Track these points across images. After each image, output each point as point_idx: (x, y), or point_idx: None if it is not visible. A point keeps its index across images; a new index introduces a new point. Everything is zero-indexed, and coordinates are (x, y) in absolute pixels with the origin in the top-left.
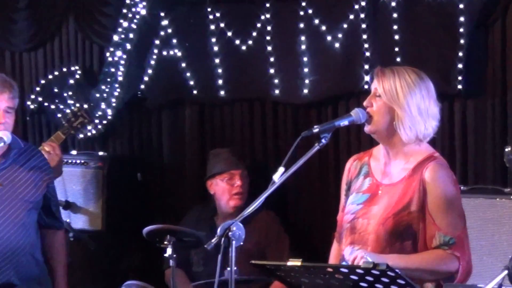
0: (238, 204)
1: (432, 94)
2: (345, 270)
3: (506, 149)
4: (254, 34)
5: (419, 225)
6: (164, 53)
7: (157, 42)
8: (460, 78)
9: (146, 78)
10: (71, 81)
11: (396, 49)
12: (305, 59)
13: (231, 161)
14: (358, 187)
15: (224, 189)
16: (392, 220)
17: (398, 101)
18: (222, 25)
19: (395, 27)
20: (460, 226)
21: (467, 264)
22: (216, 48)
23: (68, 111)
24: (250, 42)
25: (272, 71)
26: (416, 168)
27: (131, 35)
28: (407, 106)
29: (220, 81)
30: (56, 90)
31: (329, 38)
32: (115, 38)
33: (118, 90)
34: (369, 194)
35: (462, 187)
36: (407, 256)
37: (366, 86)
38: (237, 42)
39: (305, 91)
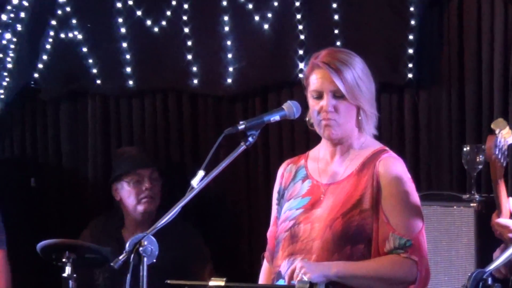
0: (147, 209)
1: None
2: None
3: (465, 149)
4: (168, 13)
5: (372, 225)
6: (62, 35)
7: (53, 22)
8: (410, 65)
9: (40, 65)
10: None
11: (336, 31)
12: (228, 43)
13: (138, 160)
14: (296, 193)
15: (130, 192)
16: (341, 221)
17: (362, 97)
18: (130, 2)
19: (334, 5)
20: (418, 227)
21: (426, 271)
22: (123, 30)
23: None
24: (163, 23)
25: (189, 57)
26: (367, 162)
27: (22, 14)
28: (369, 97)
29: (128, 69)
30: None
31: (256, 18)
32: (3, 17)
33: (7, 79)
34: (310, 197)
35: None
36: (355, 263)
37: (301, 75)
38: (148, 23)
39: (229, 80)
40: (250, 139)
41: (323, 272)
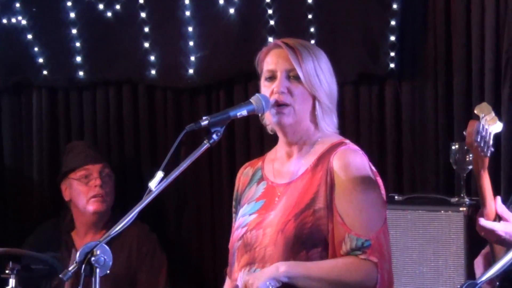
0: (98, 208)
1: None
2: None
3: (453, 147)
4: None
5: (328, 226)
6: (4, 21)
7: None
8: (392, 54)
9: None
10: None
11: (310, 16)
12: (190, 29)
13: (87, 154)
14: (251, 197)
15: (79, 190)
16: (293, 224)
17: (320, 86)
18: None
19: None
20: (377, 225)
21: (388, 274)
22: (72, 15)
23: None
24: (117, 7)
25: (146, 45)
26: (322, 157)
27: None
28: (329, 91)
29: (78, 58)
30: None
31: (221, 1)
32: None
33: None
34: (264, 200)
35: (396, 197)
36: (307, 263)
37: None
38: (101, 7)
39: (190, 71)
40: (214, 136)
41: (270, 275)
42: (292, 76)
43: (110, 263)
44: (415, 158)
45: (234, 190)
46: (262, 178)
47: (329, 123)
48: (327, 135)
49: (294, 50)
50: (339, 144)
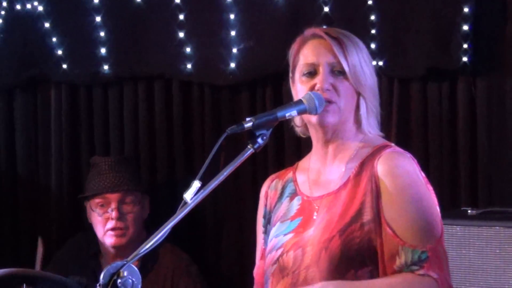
0: (116, 243)
1: None
2: None
3: None
4: None
5: (377, 241)
6: (18, 7)
7: None
8: (465, 46)
9: None
10: None
11: (370, 1)
12: (231, 16)
13: (106, 178)
14: (284, 214)
15: (97, 220)
16: (339, 240)
17: (366, 82)
18: None
19: None
20: (434, 234)
21: None
22: (96, 0)
23: None
24: None
25: (181, 35)
26: (365, 163)
27: None
28: (373, 84)
29: (102, 50)
30: None
31: None
32: None
33: None
34: (300, 218)
35: (469, 211)
36: (356, 283)
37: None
38: None
39: (232, 65)
40: (259, 140)
41: None
42: (337, 71)
43: (139, 286)
44: (492, 166)
45: (261, 207)
46: (295, 193)
47: (373, 124)
48: (370, 138)
49: (338, 41)
50: (383, 147)
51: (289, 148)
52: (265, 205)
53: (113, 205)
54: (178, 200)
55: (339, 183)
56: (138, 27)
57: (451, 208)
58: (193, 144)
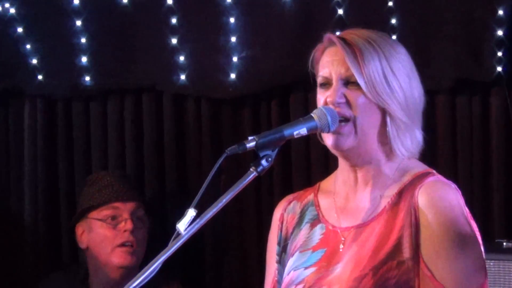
0: (125, 263)
1: (415, 71)
2: None
3: None
4: None
5: (415, 281)
6: None
7: None
8: (500, 54)
9: None
10: None
11: (390, 3)
12: (232, 20)
13: (116, 189)
14: (303, 243)
15: (103, 235)
16: (372, 280)
17: (391, 95)
18: None
19: None
20: (477, 281)
21: None
22: (76, 2)
23: None
24: None
25: (174, 41)
26: (404, 192)
27: None
28: (402, 98)
29: (83, 59)
30: None
31: None
32: None
33: None
34: (324, 250)
35: (504, 243)
36: None
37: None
38: None
39: (232, 76)
40: (263, 162)
41: None
42: (352, 83)
43: None
44: None
45: (274, 231)
46: (318, 219)
47: (407, 144)
48: (408, 163)
49: (353, 48)
50: (425, 175)
51: (297, 171)
52: (280, 230)
53: (126, 215)
54: (170, 230)
55: (372, 213)
56: (124, 32)
57: (484, 239)
58: (187, 166)
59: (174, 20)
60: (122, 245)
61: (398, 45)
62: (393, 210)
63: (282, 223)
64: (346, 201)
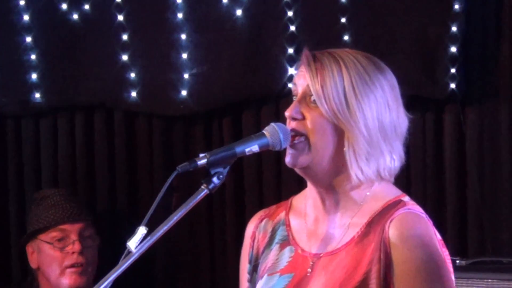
0: (75, 283)
1: (399, 97)
2: None
3: None
4: None
5: None
6: None
7: None
8: (453, 70)
9: None
10: None
11: (343, 19)
12: (183, 36)
13: (63, 208)
14: (272, 265)
15: (51, 257)
16: None
17: (347, 115)
18: None
19: None
20: None
21: None
22: (26, 18)
23: None
24: (86, 7)
25: (125, 58)
26: (374, 222)
27: None
28: (364, 124)
29: (33, 76)
30: None
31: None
32: None
33: None
34: (292, 274)
35: (458, 261)
36: None
37: (290, 85)
38: (64, 7)
39: (183, 93)
40: (215, 180)
41: None
42: (310, 100)
43: None
44: (483, 210)
45: (245, 249)
46: (287, 241)
47: (367, 172)
48: (380, 188)
49: (316, 64)
50: (397, 203)
51: (249, 189)
52: (252, 248)
53: (74, 237)
54: (121, 247)
55: (341, 241)
56: (75, 48)
57: None
58: (138, 184)
59: (125, 37)
60: (72, 266)
61: (380, 69)
62: (363, 242)
63: (253, 241)
64: (316, 224)
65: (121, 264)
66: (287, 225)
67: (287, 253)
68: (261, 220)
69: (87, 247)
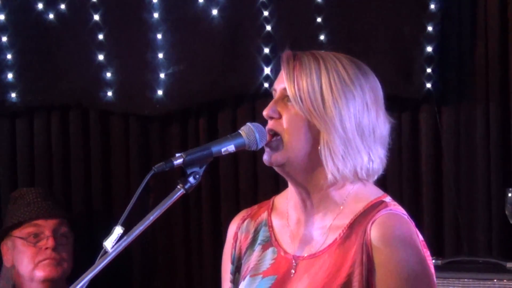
0: (49, 275)
1: (381, 100)
2: None
3: (510, 194)
4: None
5: None
6: None
7: None
8: (429, 70)
9: None
10: None
11: (319, 19)
12: (159, 36)
13: (38, 206)
14: (254, 266)
15: (25, 253)
16: None
17: (323, 113)
18: None
19: None
20: None
21: None
22: (1, 17)
23: None
24: (62, 6)
25: (101, 57)
26: (356, 224)
27: None
28: (340, 122)
29: (9, 75)
30: None
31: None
32: None
33: None
34: (275, 277)
35: (433, 260)
36: None
37: (266, 85)
38: (40, 6)
39: (160, 92)
40: (191, 179)
41: None
42: (286, 98)
43: None
44: (459, 210)
45: (227, 249)
46: (270, 242)
47: (344, 171)
48: (361, 188)
49: (294, 63)
50: (378, 204)
51: (225, 189)
52: (234, 248)
53: (48, 233)
54: (97, 247)
55: (324, 243)
56: (50, 48)
57: None
58: (115, 183)
59: (101, 36)
60: (43, 260)
61: (362, 70)
62: (345, 244)
63: (236, 241)
64: (298, 225)
65: (97, 264)
66: (270, 226)
67: (269, 255)
68: (243, 221)
69: (61, 244)
